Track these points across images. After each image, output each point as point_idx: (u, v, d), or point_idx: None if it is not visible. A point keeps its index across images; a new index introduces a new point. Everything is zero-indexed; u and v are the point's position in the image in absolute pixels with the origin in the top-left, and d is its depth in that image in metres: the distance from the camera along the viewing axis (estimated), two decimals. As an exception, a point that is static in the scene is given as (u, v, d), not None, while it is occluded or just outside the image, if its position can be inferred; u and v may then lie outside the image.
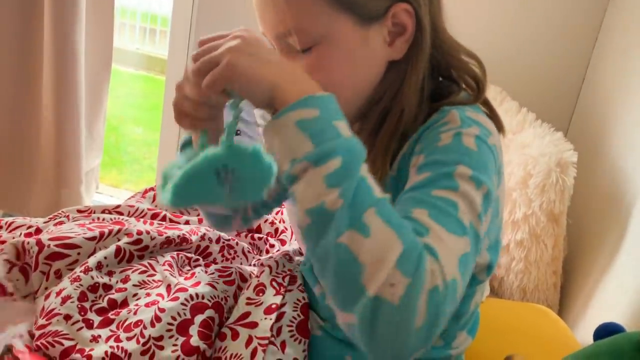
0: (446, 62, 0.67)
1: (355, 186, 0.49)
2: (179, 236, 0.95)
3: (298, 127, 0.51)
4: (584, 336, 1.12)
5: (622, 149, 1.21)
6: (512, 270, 1.25)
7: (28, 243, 0.80)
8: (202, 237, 0.98)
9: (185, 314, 0.75)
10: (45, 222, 0.92)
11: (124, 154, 3.09)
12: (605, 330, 0.74)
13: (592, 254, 1.23)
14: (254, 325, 0.73)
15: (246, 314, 0.75)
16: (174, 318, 0.74)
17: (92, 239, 0.84)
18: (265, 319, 0.74)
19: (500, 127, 0.67)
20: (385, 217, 0.49)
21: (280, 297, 0.78)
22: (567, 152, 1.13)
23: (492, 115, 0.67)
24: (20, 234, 0.91)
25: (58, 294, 0.75)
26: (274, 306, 0.76)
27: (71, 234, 0.83)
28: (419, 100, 0.64)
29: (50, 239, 0.81)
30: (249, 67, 0.53)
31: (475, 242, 0.53)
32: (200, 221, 1.06)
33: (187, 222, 1.05)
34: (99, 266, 0.81)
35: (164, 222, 1.01)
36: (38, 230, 0.89)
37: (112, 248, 0.84)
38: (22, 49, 1.71)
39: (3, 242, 0.89)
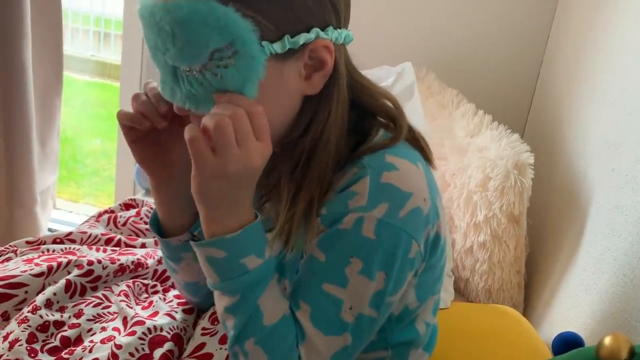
0: (363, 102, 0.66)
1: (247, 319, 0.60)
2: (133, 262, 0.92)
3: (208, 262, 0.60)
4: (548, 334, 1.13)
5: (576, 147, 1.23)
6: (476, 272, 1.26)
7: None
8: (160, 261, 0.95)
9: (143, 349, 0.73)
10: (-9, 259, 0.88)
11: (82, 166, 3.01)
12: (563, 342, 0.75)
13: (553, 253, 1.24)
14: (209, 356, 0.72)
15: (201, 345, 0.73)
16: (132, 354, 0.72)
17: (40, 274, 0.81)
18: (221, 349, 0.72)
19: (429, 160, 0.67)
20: (264, 344, 0.60)
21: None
22: (524, 154, 1.13)
23: (420, 147, 0.67)
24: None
25: (5, 338, 0.72)
26: (231, 335, 0.75)
27: (17, 272, 0.79)
28: (342, 136, 0.63)
29: (-6, 280, 0.77)
30: (208, 194, 0.58)
31: (360, 333, 0.62)
32: (156, 243, 1.03)
33: (143, 245, 1.02)
34: (48, 304, 0.77)
35: (118, 248, 0.98)
36: (-18, 269, 0.85)
37: (62, 283, 0.80)
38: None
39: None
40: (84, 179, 2.89)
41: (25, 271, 0.80)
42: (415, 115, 1.22)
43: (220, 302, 0.61)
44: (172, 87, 0.59)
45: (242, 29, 0.54)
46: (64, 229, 1.81)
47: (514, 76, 1.57)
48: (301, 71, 0.60)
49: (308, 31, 0.58)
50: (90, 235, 0.99)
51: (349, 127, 0.65)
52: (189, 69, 0.57)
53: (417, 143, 0.68)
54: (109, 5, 5.29)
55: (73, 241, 0.97)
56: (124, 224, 1.06)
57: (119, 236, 1.01)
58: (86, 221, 1.07)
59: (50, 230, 1.91)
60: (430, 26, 1.59)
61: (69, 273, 0.83)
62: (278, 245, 0.66)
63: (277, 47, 0.56)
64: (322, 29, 0.59)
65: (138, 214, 1.08)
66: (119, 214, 1.08)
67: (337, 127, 0.63)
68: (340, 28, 0.62)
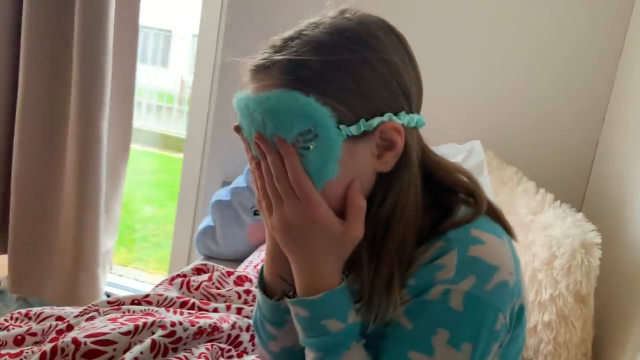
0: (439, 177, 0.70)
1: None
2: (210, 325, 0.94)
3: (296, 319, 0.66)
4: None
5: (642, 227, 1.22)
6: (540, 353, 1.22)
7: (62, 342, 0.79)
8: (233, 326, 0.97)
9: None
10: (75, 317, 0.91)
11: (133, 231, 3.10)
12: None
13: (622, 336, 1.21)
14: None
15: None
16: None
17: (127, 333, 0.84)
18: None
19: (510, 233, 0.70)
20: None
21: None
22: (590, 233, 1.13)
23: (499, 219, 0.70)
24: (50, 325, 0.91)
25: (96, 393, 0.74)
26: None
27: (106, 329, 0.82)
28: (418, 210, 0.67)
29: (86, 336, 0.80)
30: (289, 245, 0.66)
31: None
32: (228, 308, 1.05)
33: (215, 310, 1.04)
34: (135, 362, 0.80)
35: (193, 311, 1.01)
36: (69, 327, 0.88)
37: (148, 342, 0.83)
38: (48, 133, 1.77)
39: (34, 335, 0.88)
40: (134, 244, 2.96)
41: (113, 329, 0.83)
42: (486, 191, 1.25)
43: (308, 356, 0.66)
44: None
45: (322, 115, 0.61)
46: (117, 292, 1.86)
47: (571, 153, 1.59)
48: (373, 150, 0.65)
49: (382, 115, 0.64)
50: (166, 298, 1.02)
51: (429, 203, 0.69)
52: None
53: (497, 216, 0.71)
54: (163, 79, 5.60)
55: (150, 303, 1.01)
56: (197, 288, 1.09)
57: (193, 300, 1.03)
58: (160, 284, 1.11)
59: (107, 294, 1.95)
60: (489, 108, 1.64)
61: (153, 333, 0.85)
62: (360, 317, 0.68)
63: (353, 130, 0.63)
64: (395, 114, 0.65)
65: (210, 279, 1.12)
66: (191, 278, 1.11)
67: (411, 202, 0.67)
68: (412, 112, 0.67)
